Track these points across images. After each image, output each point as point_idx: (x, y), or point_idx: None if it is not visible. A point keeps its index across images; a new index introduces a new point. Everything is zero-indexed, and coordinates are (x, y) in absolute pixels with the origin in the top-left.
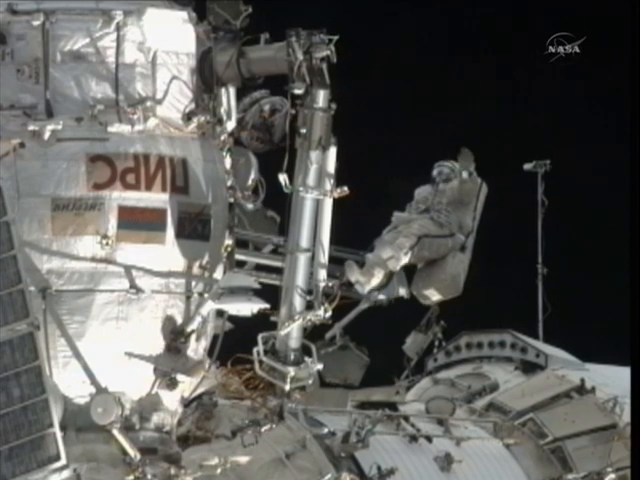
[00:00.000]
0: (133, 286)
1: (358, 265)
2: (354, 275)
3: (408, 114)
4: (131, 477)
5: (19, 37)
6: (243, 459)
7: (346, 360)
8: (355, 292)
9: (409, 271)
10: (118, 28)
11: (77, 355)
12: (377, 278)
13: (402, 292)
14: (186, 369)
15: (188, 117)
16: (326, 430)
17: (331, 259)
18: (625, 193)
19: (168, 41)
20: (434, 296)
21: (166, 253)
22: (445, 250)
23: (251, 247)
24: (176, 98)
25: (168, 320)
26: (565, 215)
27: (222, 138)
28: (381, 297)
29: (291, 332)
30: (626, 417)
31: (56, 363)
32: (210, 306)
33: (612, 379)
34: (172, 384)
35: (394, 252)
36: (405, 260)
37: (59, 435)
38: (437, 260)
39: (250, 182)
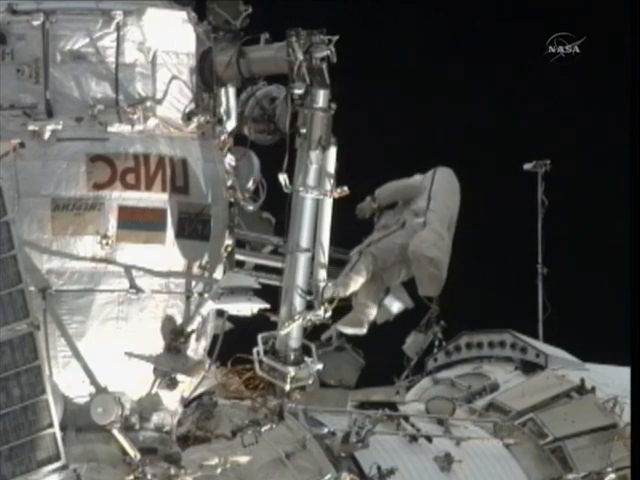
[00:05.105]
0: (133, 286)
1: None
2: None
3: (407, 114)
4: (131, 477)
5: (19, 37)
6: (243, 459)
7: (342, 361)
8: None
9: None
10: (118, 28)
11: (77, 355)
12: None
13: (395, 309)
14: (186, 369)
15: (188, 117)
16: (326, 430)
17: (331, 259)
18: (625, 193)
19: (168, 41)
20: (426, 286)
21: (166, 253)
22: (405, 241)
23: (248, 248)
24: (176, 98)
25: (168, 320)
26: (565, 215)
27: (222, 138)
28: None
29: (291, 332)
30: (626, 417)
31: (56, 363)
32: (210, 306)
33: (612, 379)
34: (172, 384)
35: (335, 283)
36: (357, 282)
37: (59, 435)
38: None
39: (251, 183)
